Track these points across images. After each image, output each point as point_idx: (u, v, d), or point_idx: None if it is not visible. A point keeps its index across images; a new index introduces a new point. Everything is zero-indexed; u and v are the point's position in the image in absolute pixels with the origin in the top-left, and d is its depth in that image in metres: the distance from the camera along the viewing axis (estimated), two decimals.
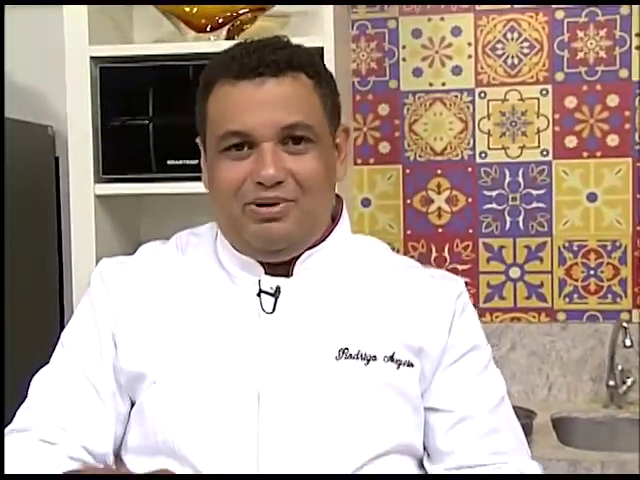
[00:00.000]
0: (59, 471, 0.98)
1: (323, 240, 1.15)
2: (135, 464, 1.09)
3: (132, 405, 1.15)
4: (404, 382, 1.11)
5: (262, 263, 1.14)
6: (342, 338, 1.10)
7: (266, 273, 1.13)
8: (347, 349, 1.09)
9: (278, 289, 1.11)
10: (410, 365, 1.11)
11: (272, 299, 1.11)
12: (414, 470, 1.13)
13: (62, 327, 1.21)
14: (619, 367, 2.32)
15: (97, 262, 1.98)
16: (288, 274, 1.13)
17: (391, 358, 1.10)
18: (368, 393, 1.09)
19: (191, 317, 1.13)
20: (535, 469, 1.15)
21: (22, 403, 1.16)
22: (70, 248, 2.06)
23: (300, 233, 1.11)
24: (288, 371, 1.08)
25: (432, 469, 1.14)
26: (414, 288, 1.16)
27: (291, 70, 1.06)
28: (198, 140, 1.16)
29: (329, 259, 1.15)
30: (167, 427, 1.06)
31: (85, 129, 2.05)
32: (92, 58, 2.05)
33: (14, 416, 1.16)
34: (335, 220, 1.18)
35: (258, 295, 1.11)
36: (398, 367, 1.10)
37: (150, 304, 1.15)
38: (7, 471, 1.03)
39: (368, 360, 1.09)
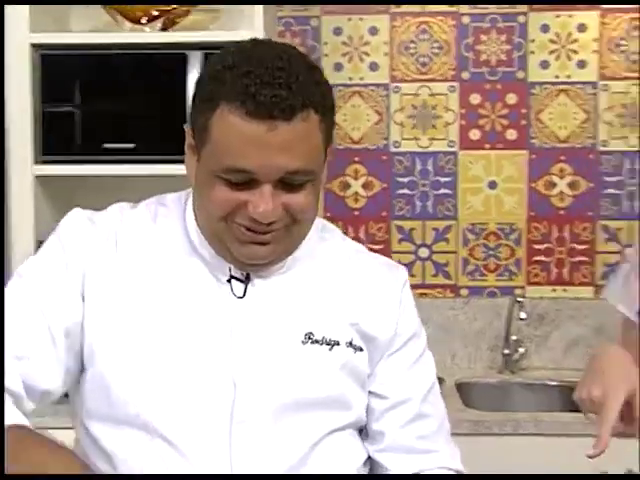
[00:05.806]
0: None
1: None
2: (98, 431, 1.12)
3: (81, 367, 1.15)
4: (359, 365, 1.19)
5: None
6: (307, 323, 1.15)
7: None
8: (312, 334, 1.15)
9: (248, 276, 1.14)
10: (361, 350, 1.18)
11: (242, 285, 1.14)
12: (361, 444, 1.23)
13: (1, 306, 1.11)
14: (513, 338, 2.52)
15: (35, 241, 2.04)
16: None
17: (350, 344, 1.17)
18: (332, 375, 1.16)
19: (162, 293, 1.14)
20: (456, 464, 1.24)
21: None
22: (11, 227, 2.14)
23: (284, 254, 1.14)
24: (259, 355, 1.13)
25: (368, 447, 1.24)
26: (365, 275, 1.21)
27: (302, 110, 1.03)
28: (187, 128, 1.12)
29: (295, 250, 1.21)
30: (140, 402, 1.08)
31: (25, 113, 2.12)
32: (32, 45, 2.12)
33: None
34: None
35: (228, 281, 1.14)
36: (355, 352, 1.18)
37: (121, 275, 1.14)
38: None
39: (332, 345, 1.16)
